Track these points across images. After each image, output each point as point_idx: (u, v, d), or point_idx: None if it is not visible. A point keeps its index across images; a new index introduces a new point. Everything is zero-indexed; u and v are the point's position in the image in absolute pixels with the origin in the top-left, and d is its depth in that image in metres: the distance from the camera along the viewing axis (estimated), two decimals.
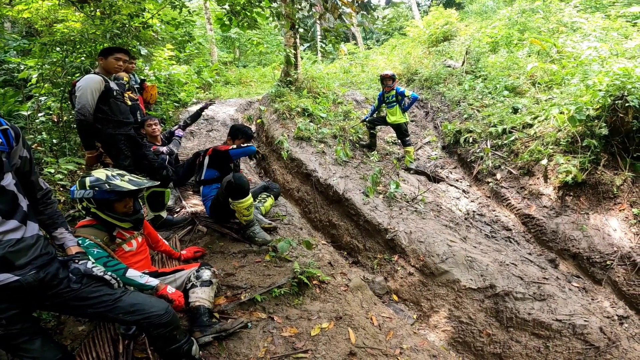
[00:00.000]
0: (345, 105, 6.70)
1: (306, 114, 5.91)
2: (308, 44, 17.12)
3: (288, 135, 5.43)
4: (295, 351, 2.37)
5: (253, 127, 6.40)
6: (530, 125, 4.95)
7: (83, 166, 4.14)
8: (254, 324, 2.45)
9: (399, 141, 5.70)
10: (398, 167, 5.15)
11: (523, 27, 8.65)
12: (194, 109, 7.72)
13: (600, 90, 4.15)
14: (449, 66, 8.38)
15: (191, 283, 2.35)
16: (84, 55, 4.60)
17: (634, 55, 5.95)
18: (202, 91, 9.58)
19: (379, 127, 5.81)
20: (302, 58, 9.03)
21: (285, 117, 5.85)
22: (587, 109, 4.24)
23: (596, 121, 4.15)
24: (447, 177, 5.28)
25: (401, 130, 5.43)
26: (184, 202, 4.14)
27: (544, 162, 4.40)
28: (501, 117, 5.37)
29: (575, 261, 4.02)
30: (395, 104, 5.33)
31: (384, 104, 5.52)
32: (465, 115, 6.07)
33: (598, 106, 4.15)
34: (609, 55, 5.71)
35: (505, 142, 5.04)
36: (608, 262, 3.78)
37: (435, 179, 5.19)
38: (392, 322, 3.18)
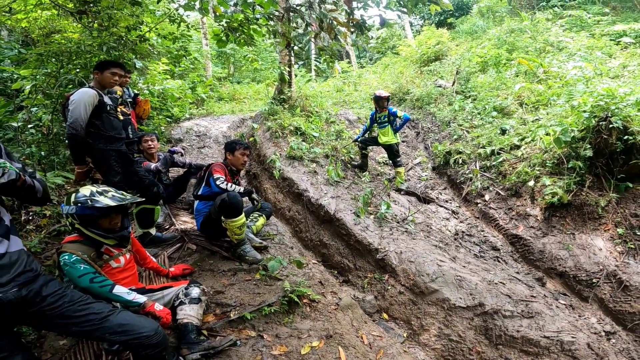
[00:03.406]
0: (338, 124, 6.78)
1: (299, 132, 5.96)
2: (302, 62, 17.41)
3: (280, 154, 5.46)
4: None
5: None
6: (518, 147, 5.06)
7: (71, 181, 4.08)
8: (243, 342, 2.42)
9: (390, 162, 5.74)
10: (389, 187, 5.20)
11: (511, 46, 8.85)
12: (186, 124, 7.74)
13: (584, 111, 4.26)
14: (440, 86, 8.49)
15: (179, 300, 2.32)
16: (79, 67, 4.60)
17: (618, 75, 6.16)
18: (196, 107, 9.61)
19: (370, 147, 5.86)
20: (295, 76, 9.12)
21: (277, 135, 5.90)
22: (572, 130, 4.34)
23: (581, 142, 4.25)
24: (437, 198, 5.33)
25: (392, 151, 5.48)
26: (173, 220, 4.11)
27: (531, 183, 4.49)
28: (490, 138, 5.48)
29: (562, 279, 4.10)
30: (387, 124, 5.39)
31: (375, 124, 5.57)
32: (455, 136, 6.18)
33: (583, 127, 4.26)
34: (594, 75, 5.87)
35: (493, 163, 5.14)
36: (594, 280, 3.86)
37: (425, 199, 5.24)
38: (382, 340, 3.20)
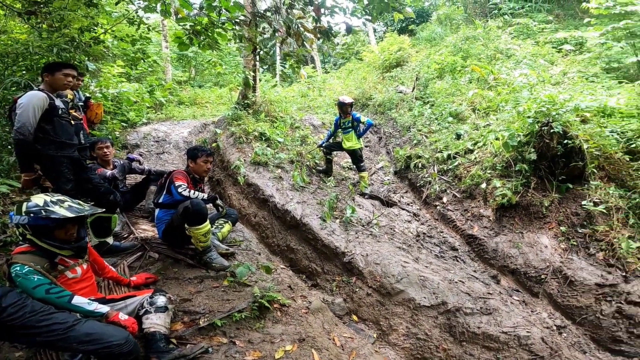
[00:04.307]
0: (303, 129, 6.82)
1: (263, 138, 5.93)
2: (267, 66, 17.30)
3: (245, 160, 5.40)
4: None
5: None
6: (471, 151, 5.38)
7: (17, 189, 3.79)
8: (214, 349, 2.39)
9: (354, 166, 5.88)
10: (353, 192, 5.32)
11: (466, 53, 9.15)
12: (144, 129, 7.42)
13: (529, 117, 4.56)
14: (401, 92, 8.68)
15: (144, 309, 2.26)
16: (24, 69, 4.30)
17: (559, 82, 6.59)
18: (154, 111, 9.24)
19: (335, 152, 5.95)
20: (260, 80, 9.06)
21: (242, 141, 5.83)
22: (518, 135, 4.64)
23: (526, 146, 4.55)
24: (399, 201, 5.53)
25: (356, 156, 5.61)
26: (132, 228, 3.94)
27: (483, 185, 4.79)
28: (446, 143, 5.77)
29: (514, 276, 4.34)
30: (351, 129, 5.52)
31: (340, 130, 5.68)
32: (415, 141, 6.44)
33: (527, 132, 4.55)
34: (537, 82, 6.23)
35: (450, 167, 5.42)
36: (542, 276, 4.10)
37: (388, 203, 5.42)
38: (353, 342, 3.28)
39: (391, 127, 7.60)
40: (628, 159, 4.35)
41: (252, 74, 6.67)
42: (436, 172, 5.50)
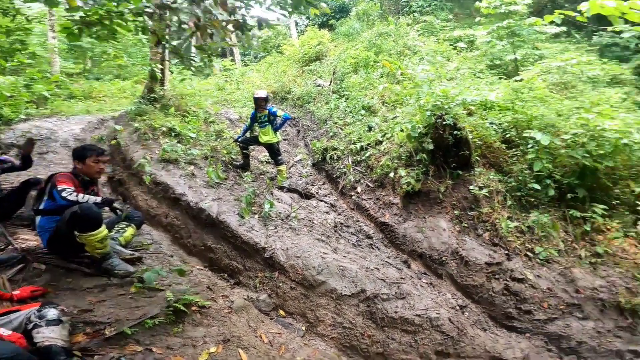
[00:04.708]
0: (218, 124, 6.56)
1: (173, 134, 5.54)
2: (179, 59, 16.09)
3: (151, 157, 4.98)
4: None
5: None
6: (381, 142, 5.73)
7: None
8: (128, 358, 2.22)
9: (272, 160, 5.85)
10: (271, 186, 5.29)
11: (379, 49, 9.58)
12: (22, 126, 6.38)
13: (427, 110, 4.95)
14: (319, 85, 8.83)
15: (33, 323, 2.04)
16: None
17: (453, 77, 7.28)
18: (35, 106, 7.98)
19: (252, 146, 5.86)
20: (171, 72, 8.41)
21: (147, 137, 5.36)
22: (418, 127, 5.03)
23: (425, 137, 4.95)
24: (317, 193, 5.66)
25: (273, 150, 5.59)
26: (10, 239, 3.40)
27: (392, 175, 5.12)
28: (359, 135, 6.06)
29: (422, 260, 4.62)
30: (267, 123, 5.47)
31: (256, 124, 5.60)
32: (331, 134, 6.64)
33: (426, 124, 4.95)
34: (435, 77, 6.76)
35: (363, 158, 5.71)
36: (443, 259, 4.43)
37: (306, 195, 5.51)
38: (282, 337, 3.26)
39: (309, 120, 7.72)
40: (504, 147, 5.07)
41: (160, 66, 6.18)
42: (351, 163, 5.75)
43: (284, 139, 7.08)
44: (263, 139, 5.52)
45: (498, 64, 8.69)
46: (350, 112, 7.06)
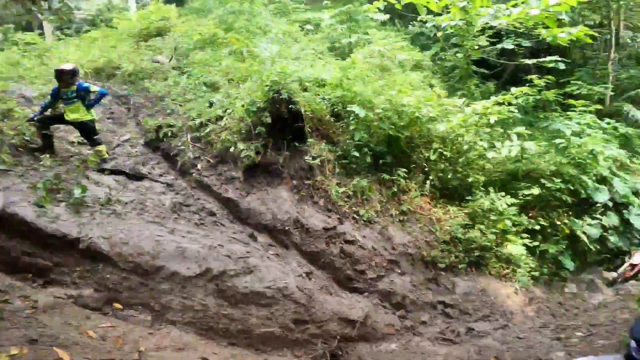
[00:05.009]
0: (6, 102, 5.28)
1: None
2: None
3: None
4: None
5: None
6: (222, 118, 5.57)
7: None
8: None
9: (87, 142, 5.04)
10: (81, 169, 4.56)
11: (230, 27, 9.43)
12: None
13: (266, 86, 5.10)
14: (157, 62, 8.18)
15: None
16: None
17: (298, 57, 7.68)
18: None
19: (57, 126, 4.91)
20: None
21: None
22: (257, 102, 5.13)
23: (264, 112, 5.08)
24: (149, 173, 5.16)
25: (87, 129, 4.84)
26: None
27: (232, 149, 5.04)
28: (200, 111, 5.76)
29: (267, 232, 4.74)
30: (76, 100, 4.69)
31: (60, 101, 4.71)
32: (168, 110, 6.11)
33: (265, 99, 5.10)
34: (279, 56, 7.08)
35: (202, 134, 5.46)
36: (287, 228, 4.64)
37: (136, 176, 4.96)
38: (117, 329, 3.02)
39: (143, 98, 6.93)
40: (333, 120, 5.62)
41: None
42: (189, 139, 5.42)
43: (108, 118, 6.18)
44: (70, 116, 4.67)
45: (337, 47, 9.53)
46: (192, 89, 6.69)
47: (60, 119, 4.74)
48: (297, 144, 5.19)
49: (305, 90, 5.71)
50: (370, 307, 4.32)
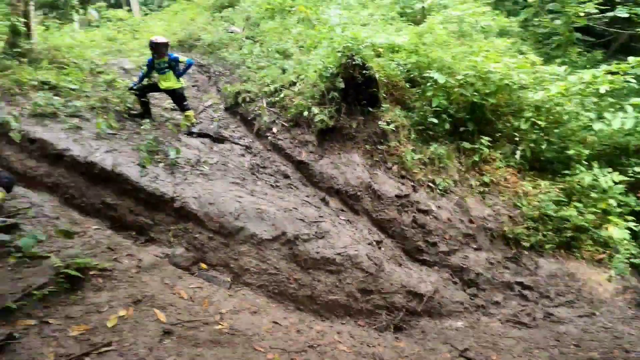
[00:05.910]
0: (109, 74, 5.87)
1: (47, 87, 4.85)
2: (60, 10, 13.53)
3: (21, 114, 4.31)
4: (95, 347, 2.15)
5: None
6: (295, 83, 5.64)
7: None
8: (22, 333, 2.09)
9: (178, 107, 5.46)
10: (175, 131, 4.98)
11: None
12: None
13: (339, 52, 5.02)
14: (232, 32, 8.51)
15: None
16: None
17: (367, 22, 7.47)
18: None
19: (152, 94, 5.37)
20: (47, 27, 7.62)
21: (13, 92, 4.63)
22: (330, 68, 5.08)
23: (337, 77, 5.01)
24: (230, 136, 5.45)
25: (177, 96, 5.20)
26: None
27: (306, 113, 5.09)
28: (273, 78, 5.90)
29: (339, 196, 4.73)
30: (168, 70, 5.04)
31: (155, 71, 5.11)
32: (244, 77, 6.35)
33: (338, 64, 5.02)
34: (348, 22, 6.93)
35: (277, 99, 5.59)
36: (358, 194, 4.58)
37: (219, 139, 5.29)
38: (203, 291, 3.16)
39: (221, 66, 7.29)
40: (408, 86, 5.35)
41: (23, 19, 5.62)
42: (265, 104, 5.59)
43: (193, 86, 6.61)
44: (163, 85, 5.07)
45: (408, 12, 8.97)
46: (265, 56, 6.85)
47: (155, 88, 5.14)
48: (370, 109, 5.06)
49: (378, 56, 5.49)
50: (439, 281, 4.16)
